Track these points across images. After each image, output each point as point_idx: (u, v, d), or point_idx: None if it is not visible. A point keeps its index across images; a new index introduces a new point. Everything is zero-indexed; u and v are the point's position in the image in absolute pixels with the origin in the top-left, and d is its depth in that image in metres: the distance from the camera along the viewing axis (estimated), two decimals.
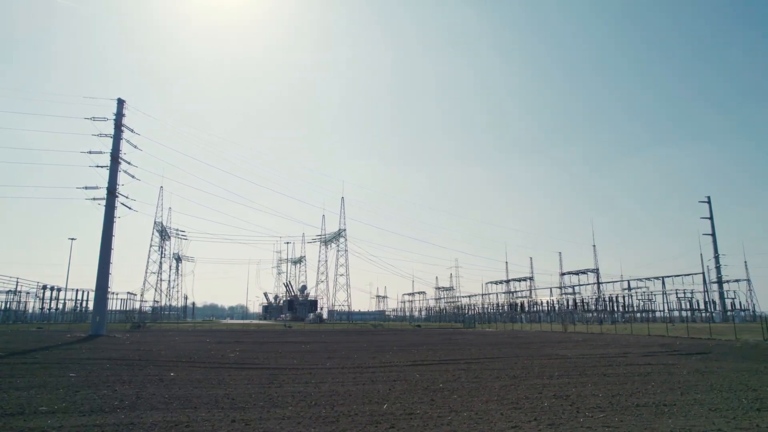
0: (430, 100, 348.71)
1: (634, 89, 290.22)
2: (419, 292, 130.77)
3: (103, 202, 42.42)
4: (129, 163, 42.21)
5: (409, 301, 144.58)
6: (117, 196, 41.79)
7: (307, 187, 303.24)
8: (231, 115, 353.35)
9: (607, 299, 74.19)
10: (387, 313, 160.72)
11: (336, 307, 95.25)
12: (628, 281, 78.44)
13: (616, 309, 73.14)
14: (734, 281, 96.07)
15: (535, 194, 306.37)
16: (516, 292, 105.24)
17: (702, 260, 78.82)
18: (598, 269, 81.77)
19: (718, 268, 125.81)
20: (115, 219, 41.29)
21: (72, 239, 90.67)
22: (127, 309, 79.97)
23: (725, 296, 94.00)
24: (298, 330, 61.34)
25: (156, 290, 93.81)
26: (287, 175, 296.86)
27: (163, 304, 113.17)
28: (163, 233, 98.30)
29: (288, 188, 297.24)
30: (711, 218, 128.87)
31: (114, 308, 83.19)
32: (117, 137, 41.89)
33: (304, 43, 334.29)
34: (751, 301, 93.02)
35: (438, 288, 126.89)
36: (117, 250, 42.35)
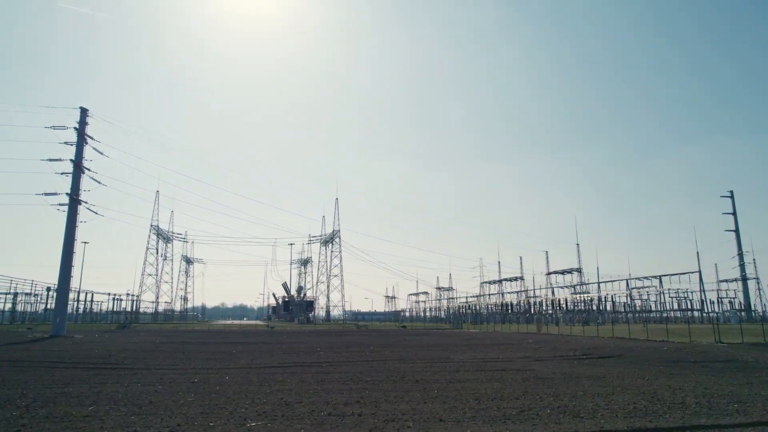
0: (449, 100, 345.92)
1: (653, 86, 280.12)
2: (423, 293, 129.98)
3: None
4: (88, 169, 43.83)
5: (423, 301, 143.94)
6: (80, 203, 43.49)
7: (314, 189, 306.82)
8: (246, 118, 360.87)
9: (589, 300, 71.52)
10: (404, 313, 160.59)
11: (333, 308, 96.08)
12: (627, 280, 75.42)
13: (600, 309, 70.49)
14: (740, 280, 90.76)
15: (555, 194, 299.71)
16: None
17: (698, 258, 74.73)
18: (581, 269, 78.93)
19: (741, 266, 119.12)
20: (77, 224, 42.99)
21: (85, 243, 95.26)
22: (129, 310, 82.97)
23: (726, 296, 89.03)
24: (277, 331, 61.97)
25: (153, 291, 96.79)
26: (295, 177, 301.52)
27: (177, 306, 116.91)
28: (164, 237, 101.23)
29: (296, 190, 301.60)
30: (734, 213, 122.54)
31: (117, 309, 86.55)
32: (80, 145, 43.52)
33: (324, 49, 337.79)
34: (761, 300, 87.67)
35: (438, 288, 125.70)
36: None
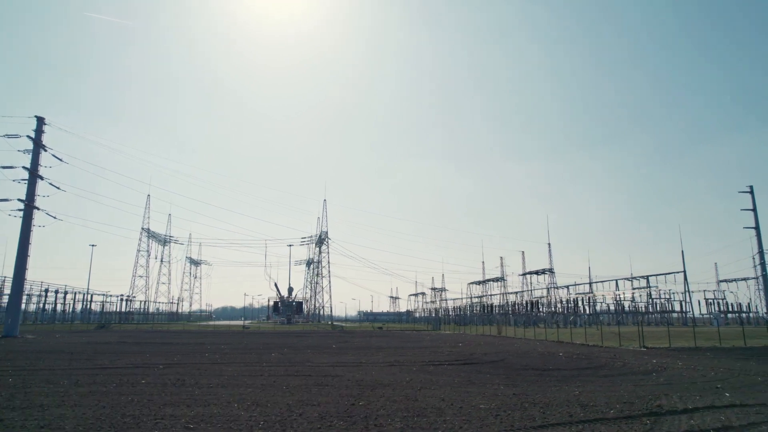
0: (469, 99, 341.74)
1: (675, 86, 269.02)
2: (421, 293, 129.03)
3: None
4: (42, 177, 45.65)
5: (431, 302, 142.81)
6: (37, 208, 45.29)
7: (323, 189, 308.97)
8: (263, 119, 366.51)
9: (564, 301, 68.90)
10: (414, 314, 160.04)
11: (325, 309, 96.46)
12: (616, 281, 72.45)
13: (576, 311, 67.78)
14: (741, 280, 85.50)
15: (569, 194, 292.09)
16: (500, 293, 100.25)
17: (683, 257, 70.80)
18: (552, 269, 75.93)
19: (762, 264, 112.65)
20: (32, 228, 44.77)
21: (92, 245, 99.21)
22: (116, 311, 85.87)
23: (714, 297, 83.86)
24: (247, 332, 62.56)
25: (144, 293, 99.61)
26: (305, 178, 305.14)
27: (183, 307, 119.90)
28: (160, 240, 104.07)
29: (307, 191, 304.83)
30: (754, 210, 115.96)
31: (107, 310, 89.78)
32: (36, 152, 45.37)
33: (342, 51, 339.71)
34: (761, 300, 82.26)
35: (433, 289, 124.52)
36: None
